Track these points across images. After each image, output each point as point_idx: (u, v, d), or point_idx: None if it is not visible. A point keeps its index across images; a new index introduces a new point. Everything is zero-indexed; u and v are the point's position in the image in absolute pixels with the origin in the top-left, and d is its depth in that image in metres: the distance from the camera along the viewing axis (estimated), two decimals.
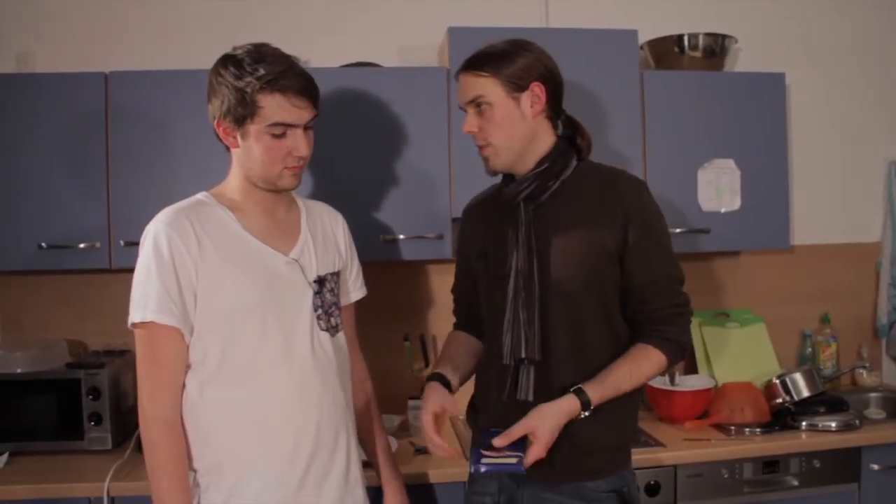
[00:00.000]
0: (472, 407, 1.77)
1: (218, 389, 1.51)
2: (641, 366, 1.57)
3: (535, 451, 1.49)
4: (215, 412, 1.52)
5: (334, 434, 1.60)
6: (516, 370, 1.59)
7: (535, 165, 1.61)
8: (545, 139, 1.63)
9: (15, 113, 2.20)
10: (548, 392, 1.56)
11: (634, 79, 2.35)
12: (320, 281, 1.64)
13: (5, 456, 2.14)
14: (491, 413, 1.66)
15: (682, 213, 2.37)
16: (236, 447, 1.52)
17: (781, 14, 2.80)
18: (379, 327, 2.61)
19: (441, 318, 2.62)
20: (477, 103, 1.59)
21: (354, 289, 1.83)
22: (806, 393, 2.36)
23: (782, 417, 2.34)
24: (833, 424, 2.27)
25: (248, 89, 1.48)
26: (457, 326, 1.88)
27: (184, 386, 1.52)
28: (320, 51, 2.51)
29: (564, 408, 1.52)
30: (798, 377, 2.38)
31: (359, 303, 2.57)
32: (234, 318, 1.51)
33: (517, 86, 1.57)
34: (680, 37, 2.48)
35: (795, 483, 2.19)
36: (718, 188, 2.40)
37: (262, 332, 1.53)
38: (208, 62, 2.31)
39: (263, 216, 1.60)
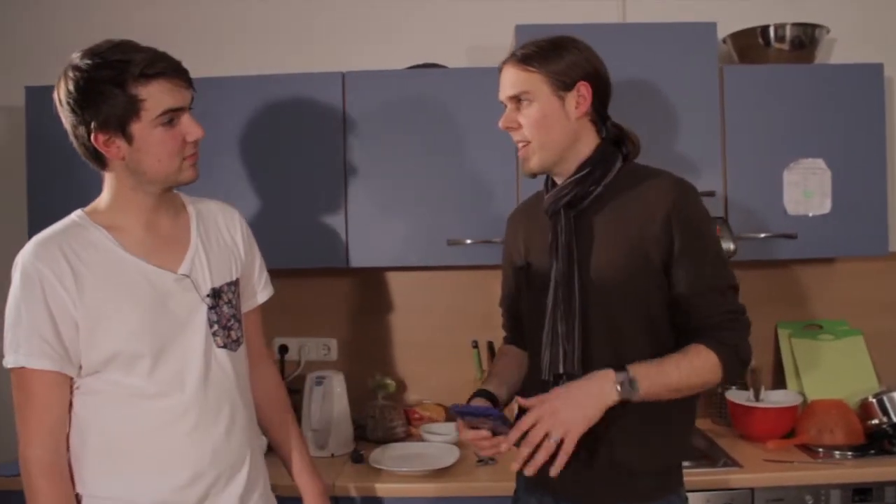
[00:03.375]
0: None
1: (106, 415, 1.41)
2: (693, 362, 1.41)
3: (524, 422, 1.34)
4: (102, 438, 1.41)
5: (235, 457, 1.50)
6: (555, 386, 1.48)
7: (576, 170, 1.53)
8: (588, 142, 1.54)
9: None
10: None
11: (713, 74, 2.21)
12: (215, 294, 1.50)
13: None
14: None
15: (765, 218, 2.21)
16: (122, 477, 1.41)
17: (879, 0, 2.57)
18: (445, 334, 2.59)
19: None
20: (518, 99, 1.52)
21: (259, 290, 1.69)
22: None
23: (878, 440, 2.13)
24: None
25: (123, 85, 1.33)
26: (506, 340, 1.81)
27: (71, 405, 1.42)
28: (387, 52, 2.52)
29: (591, 379, 1.38)
30: None
31: (426, 309, 2.57)
32: (122, 351, 1.39)
33: (563, 84, 1.49)
34: (765, 28, 2.31)
35: None
36: (806, 190, 2.22)
37: (154, 360, 1.41)
38: (272, 66, 2.36)
39: (145, 232, 1.46)
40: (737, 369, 1.46)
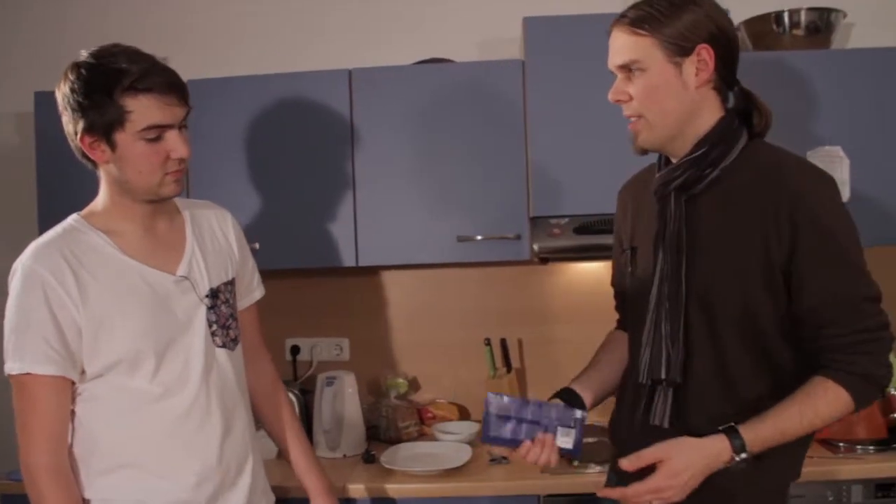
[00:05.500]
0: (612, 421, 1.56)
1: (111, 421, 1.41)
2: (817, 405, 1.26)
3: (652, 484, 1.26)
4: (108, 443, 1.41)
5: (241, 454, 1.53)
6: (652, 391, 1.38)
7: (691, 148, 1.35)
8: (709, 115, 1.35)
9: None
10: (684, 420, 1.34)
11: None
12: (213, 294, 1.52)
13: None
14: (622, 432, 1.48)
15: None
16: (131, 481, 1.41)
17: None
18: (458, 332, 2.57)
19: (521, 322, 2.54)
20: (629, 68, 1.34)
21: (252, 289, 1.71)
22: None
23: None
24: None
25: (112, 94, 1.33)
26: (618, 324, 1.66)
27: (74, 414, 1.42)
28: (394, 49, 2.49)
29: (709, 448, 1.26)
30: None
31: (438, 307, 2.55)
32: (126, 353, 1.39)
33: (680, 48, 1.31)
34: (779, 14, 2.26)
35: None
36: None
37: (157, 360, 1.41)
38: (278, 66, 2.35)
39: (143, 235, 1.47)
40: (869, 397, 1.30)
